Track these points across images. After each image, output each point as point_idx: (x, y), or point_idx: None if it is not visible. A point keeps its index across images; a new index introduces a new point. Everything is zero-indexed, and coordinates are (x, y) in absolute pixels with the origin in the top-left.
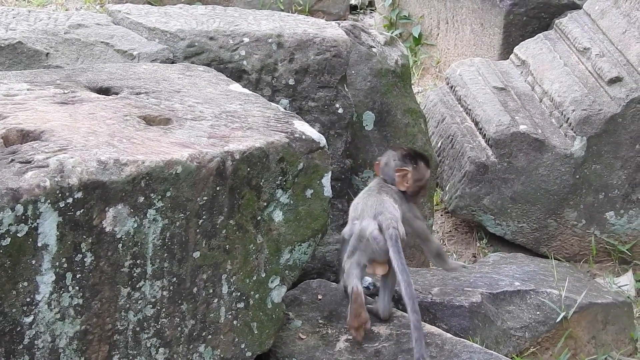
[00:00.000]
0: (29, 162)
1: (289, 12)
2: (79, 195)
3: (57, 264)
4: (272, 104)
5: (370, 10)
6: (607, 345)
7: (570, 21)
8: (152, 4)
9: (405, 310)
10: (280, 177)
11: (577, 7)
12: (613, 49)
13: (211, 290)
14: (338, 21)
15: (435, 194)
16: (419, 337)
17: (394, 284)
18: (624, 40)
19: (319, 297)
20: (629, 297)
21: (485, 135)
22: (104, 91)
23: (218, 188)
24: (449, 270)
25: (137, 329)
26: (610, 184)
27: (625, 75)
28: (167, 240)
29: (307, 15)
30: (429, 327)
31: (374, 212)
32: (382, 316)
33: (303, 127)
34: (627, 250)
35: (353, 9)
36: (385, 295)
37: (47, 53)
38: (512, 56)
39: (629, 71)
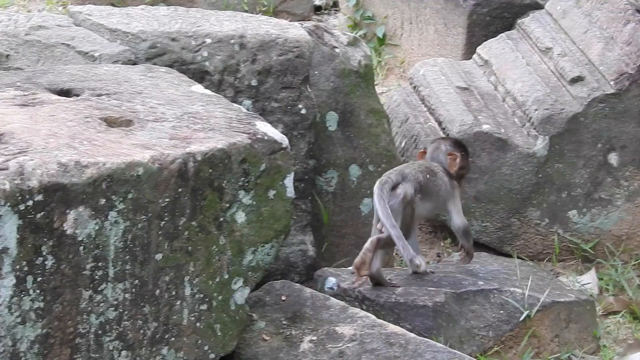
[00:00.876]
0: None
1: (253, 12)
2: (40, 197)
3: (18, 267)
4: (235, 105)
5: (335, 10)
6: (570, 344)
7: (532, 21)
8: (114, 5)
9: None
10: (242, 178)
11: (540, 7)
12: (575, 49)
13: (174, 292)
14: (301, 22)
15: None
16: (403, 246)
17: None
18: (585, 40)
19: (283, 298)
20: (591, 296)
21: (448, 135)
22: (65, 93)
23: (180, 189)
24: (468, 249)
25: (99, 332)
26: (573, 183)
27: (587, 74)
28: (129, 242)
29: (271, 15)
30: (392, 327)
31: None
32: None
33: (265, 128)
34: (589, 248)
35: (317, 9)
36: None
37: (7, 55)
38: (475, 56)
39: (591, 70)
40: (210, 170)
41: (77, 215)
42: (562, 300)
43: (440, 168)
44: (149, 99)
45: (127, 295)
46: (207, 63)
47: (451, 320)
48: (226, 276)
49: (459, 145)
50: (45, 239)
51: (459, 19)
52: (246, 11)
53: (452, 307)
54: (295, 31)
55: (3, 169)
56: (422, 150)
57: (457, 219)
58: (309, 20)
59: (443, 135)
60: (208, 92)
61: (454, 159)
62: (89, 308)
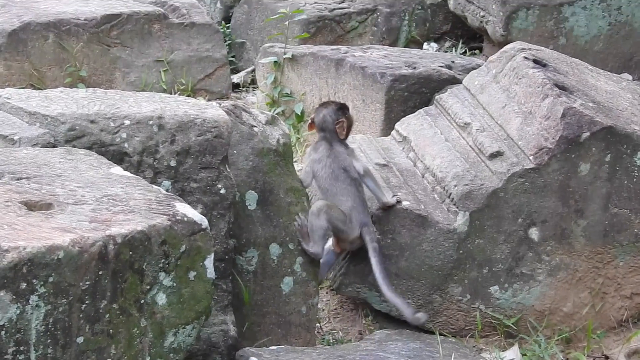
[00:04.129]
0: None
1: (171, 92)
2: None
3: None
4: (154, 186)
5: (253, 88)
6: None
7: (450, 96)
8: (34, 87)
9: None
10: (162, 260)
11: (458, 81)
12: (493, 124)
13: None
14: (219, 101)
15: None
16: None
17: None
18: (503, 115)
19: None
20: None
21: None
22: None
23: (100, 272)
24: (385, 204)
25: None
26: (494, 258)
27: (506, 149)
28: (50, 326)
29: (189, 94)
30: None
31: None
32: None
33: (185, 209)
34: (512, 324)
35: (236, 87)
36: None
37: None
38: (393, 132)
39: (510, 145)
40: (131, 253)
41: None
42: None
43: (337, 144)
44: (69, 181)
45: None
46: (126, 144)
47: None
48: (148, 359)
49: (339, 108)
50: None
51: (377, 94)
52: (165, 90)
53: None
54: (214, 111)
55: None
56: (310, 123)
57: (360, 167)
58: (228, 98)
59: (324, 103)
60: (127, 174)
61: (342, 125)
62: None
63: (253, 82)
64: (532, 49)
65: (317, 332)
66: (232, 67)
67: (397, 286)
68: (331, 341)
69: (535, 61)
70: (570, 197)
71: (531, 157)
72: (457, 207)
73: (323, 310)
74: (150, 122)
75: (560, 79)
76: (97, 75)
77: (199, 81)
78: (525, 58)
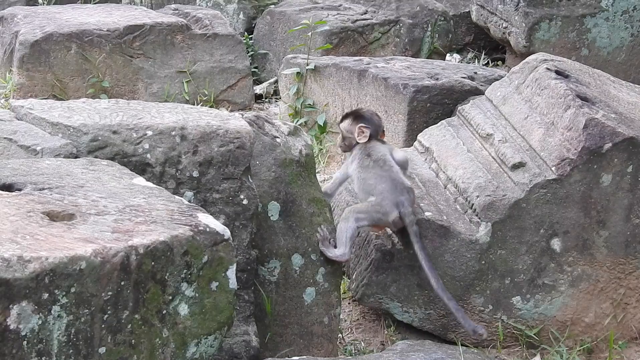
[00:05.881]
0: None
1: (194, 103)
2: None
3: None
4: (176, 197)
5: (275, 99)
6: None
7: (472, 107)
8: (57, 98)
9: None
10: (185, 271)
11: (481, 92)
12: (515, 135)
13: None
14: (242, 112)
15: (341, 282)
16: (463, 317)
17: None
18: (526, 126)
19: None
20: None
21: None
22: (7, 187)
23: (122, 283)
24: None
25: None
26: (516, 269)
27: (528, 160)
28: (72, 336)
29: (212, 105)
30: None
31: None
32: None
33: (207, 220)
34: (534, 334)
35: (258, 98)
36: None
37: None
38: (416, 143)
39: (532, 156)
40: (153, 263)
41: (20, 310)
42: None
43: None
44: (91, 192)
45: None
46: (148, 155)
47: None
48: None
49: (356, 117)
50: None
51: (400, 105)
52: (187, 101)
53: None
54: (236, 122)
55: None
56: (363, 137)
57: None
58: (250, 109)
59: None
60: (150, 184)
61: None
62: None
63: (276, 93)
64: (554, 60)
65: (339, 342)
66: (254, 78)
67: (418, 297)
68: (353, 352)
69: (558, 72)
70: (592, 208)
71: (553, 168)
72: (480, 218)
73: (345, 320)
74: (173, 133)
75: (582, 90)
76: (119, 86)
77: (222, 92)
78: (548, 69)
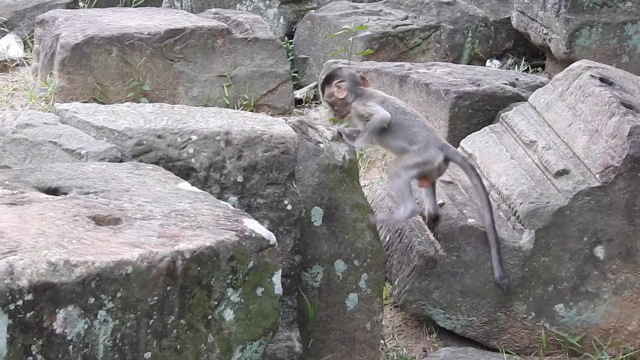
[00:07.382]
0: None
1: (234, 107)
2: (29, 297)
3: None
4: (221, 201)
5: (316, 104)
6: None
7: (515, 114)
8: (97, 101)
9: None
10: (230, 276)
11: (522, 99)
12: (559, 142)
13: None
14: (285, 117)
15: (384, 288)
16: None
17: None
18: (569, 133)
19: None
20: None
21: (433, 229)
22: (53, 191)
23: (168, 288)
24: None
25: None
26: (559, 277)
27: (572, 167)
28: (117, 341)
29: (252, 110)
30: None
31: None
32: None
33: (253, 225)
34: (577, 342)
35: (298, 102)
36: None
37: None
38: (458, 149)
39: (576, 164)
40: (199, 268)
41: (66, 314)
42: None
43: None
44: (137, 196)
45: None
46: (193, 160)
47: None
48: None
49: (327, 80)
50: (34, 339)
51: (441, 111)
52: (227, 105)
53: None
54: (281, 127)
55: None
56: (343, 91)
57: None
58: (290, 113)
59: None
60: (195, 189)
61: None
62: None
63: (315, 98)
64: (598, 67)
65: (381, 349)
66: (294, 82)
67: (461, 303)
68: (395, 358)
69: (602, 79)
70: (636, 216)
71: (597, 176)
72: (523, 225)
73: (387, 326)
74: (218, 138)
75: (626, 97)
76: (159, 90)
77: (262, 96)
78: (592, 76)
